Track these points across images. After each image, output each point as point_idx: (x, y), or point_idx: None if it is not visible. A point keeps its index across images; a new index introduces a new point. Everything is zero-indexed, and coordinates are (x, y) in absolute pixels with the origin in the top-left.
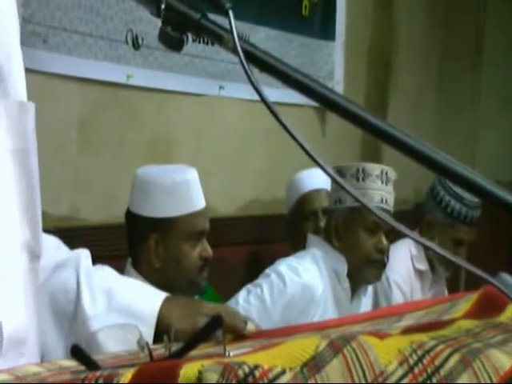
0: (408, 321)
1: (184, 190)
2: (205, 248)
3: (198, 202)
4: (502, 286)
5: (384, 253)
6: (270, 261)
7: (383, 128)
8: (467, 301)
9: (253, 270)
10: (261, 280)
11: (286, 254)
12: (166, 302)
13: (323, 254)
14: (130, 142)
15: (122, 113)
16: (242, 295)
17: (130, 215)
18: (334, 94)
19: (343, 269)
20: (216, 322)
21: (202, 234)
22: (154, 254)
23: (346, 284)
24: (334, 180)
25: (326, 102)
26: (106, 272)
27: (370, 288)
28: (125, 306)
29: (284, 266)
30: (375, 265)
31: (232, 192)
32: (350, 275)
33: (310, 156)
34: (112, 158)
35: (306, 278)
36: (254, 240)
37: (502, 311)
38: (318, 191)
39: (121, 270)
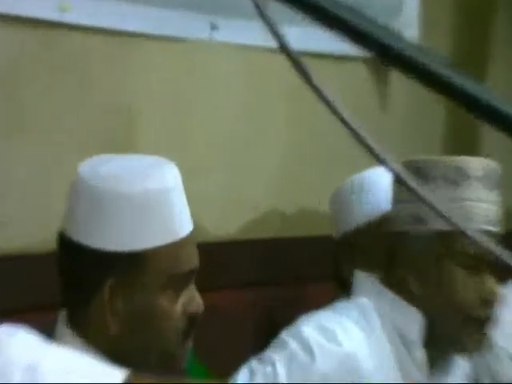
0: None
1: (159, 205)
2: (192, 299)
3: (182, 224)
4: None
5: (491, 305)
6: (293, 315)
7: (482, 98)
8: None
9: (264, 330)
10: (273, 351)
11: (322, 303)
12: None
13: (379, 304)
14: (69, 116)
15: (56, 69)
16: (241, 377)
17: (66, 245)
18: (400, 41)
19: (415, 329)
20: None
21: (189, 277)
22: (108, 312)
23: (419, 352)
24: (407, 187)
25: (388, 54)
26: (25, 340)
27: (464, 360)
28: None
29: (311, 327)
30: (476, 324)
31: (235, 201)
32: (427, 339)
33: (364, 144)
34: (41, 142)
35: (346, 345)
36: (266, 279)
37: None
38: None
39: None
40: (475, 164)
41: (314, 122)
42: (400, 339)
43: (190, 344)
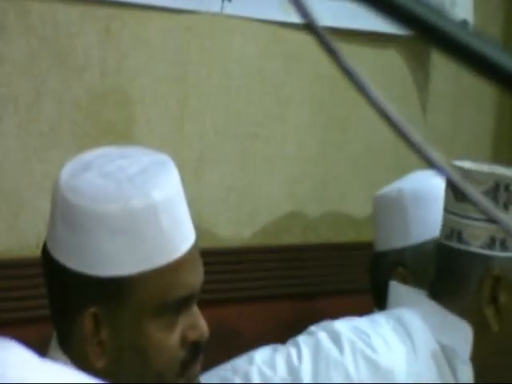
0: None
1: (145, 225)
2: (194, 324)
3: (178, 241)
4: None
5: None
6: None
7: None
8: None
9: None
10: (301, 338)
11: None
12: None
13: (423, 315)
14: (48, 99)
15: (34, 42)
16: (260, 353)
17: (47, 259)
18: (445, 20)
19: (466, 346)
20: None
21: (187, 302)
22: (90, 343)
23: (467, 371)
24: (465, 194)
25: (431, 33)
26: (16, 354)
27: None
28: None
29: (345, 326)
30: None
31: (249, 201)
32: (479, 366)
33: (406, 139)
34: (21, 132)
35: (383, 355)
36: (285, 292)
37: None
38: None
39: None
40: None
41: (345, 109)
42: (444, 356)
43: (195, 373)
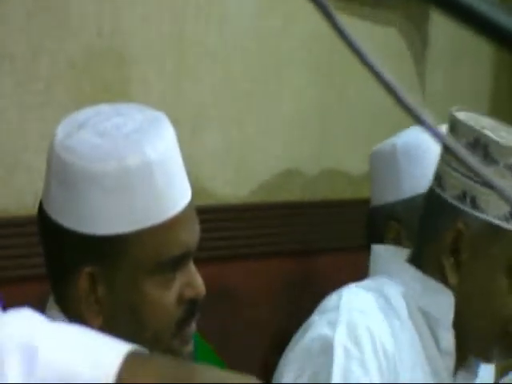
0: None
1: (140, 183)
2: (190, 282)
3: (173, 200)
4: None
5: None
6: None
7: None
8: None
9: (281, 307)
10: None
11: (349, 275)
12: (130, 361)
13: (405, 283)
14: (44, 58)
15: (29, 2)
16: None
17: (43, 218)
18: None
19: (448, 313)
20: None
21: (183, 260)
22: (87, 301)
23: (448, 342)
24: (455, 155)
25: None
26: (26, 318)
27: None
28: (58, 370)
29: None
30: (510, 338)
31: (247, 159)
32: (457, 333)
33: (399, 101)
34: (9, 94)
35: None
36: (283, 249)
37: None
38: None
39: None
40: None
41: (342, 70)
42: (426, 323)
43: (192, 330)
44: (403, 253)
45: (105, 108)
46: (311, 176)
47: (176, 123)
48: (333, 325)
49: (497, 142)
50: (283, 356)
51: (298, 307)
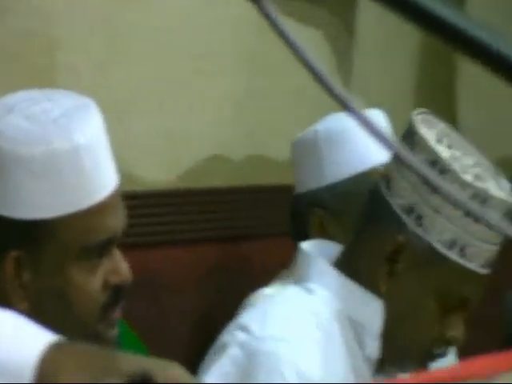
0: None
1: (66, 168)
2: (115, 268)
3: (99, 185)
4: None
5: (451, 346)
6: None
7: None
8: None
9: (208, 292)
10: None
11: (274, 261)
12: (52, 350)
13: (333, 292)
14: None
15: None
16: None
17: None
18: None
19: (376, 321)
20: None
21: (109, 245)
22: (12, 285)
23: (373, 349)
24: (387, 146)
25: None
26: None
27: None
28: None
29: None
30: (430, 358)
31: (176, 144)
32: (383, 342)
33: (326, 86)
34: None
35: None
36: (212, 235)
37: None
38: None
39: None
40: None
41: (269, 57)
42: (354, 331)
43: (117, 315)
44: (331, 249)
45: (34, 93)
46: (238, 162)
47: (104, 109)
48: (253, 355)
49: (454, 171)
50: (201, 370)
51: (223, 294)
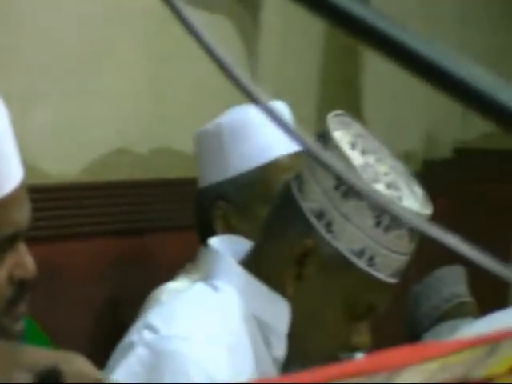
0: (407, 381)
1: None
2: (20, 262)
3: (9, 177)
4: None
5: (356, 351)
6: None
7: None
8: None
9: (110, 285)
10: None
11: (179, 255)
12: None
13: (240, 290)
14: None
15: None
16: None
17: None
18: None
19: (284, 322)
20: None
21: (15, 240)
22: None
23: (279, 350)
24: (297, 140)
25: None
26: None
27: None
28: None
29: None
30: (333, 362)
31: (79, 136)
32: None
33: (231, 77)
34: None
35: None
36: (116, 228)
37: None
38: (295, 156)
39: None
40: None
41: (174, 48)
42: (260, 330)
43: (23, 309)
44: (240, 246)
45: None
46: (142, 155)
47: (6, 100)
48: (159, 355)
49: (366, 181)
50: (108, 367)
51: (128, 287)
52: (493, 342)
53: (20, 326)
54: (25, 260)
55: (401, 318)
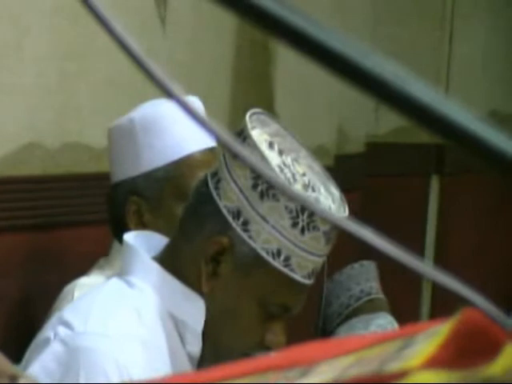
0: (321, 375)
1: None
2: None
3: None
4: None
5: (270, 351)
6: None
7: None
8: (433, 336)
9: (21, 281)
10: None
11: (94, 249)
12: None
13: (156, 288)
14: None
15: None
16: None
17: None
18: None
19: (200, 319)
20: None
21: None
22: None
23: (195, 347)
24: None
25: None
26: None
27: None
28: None
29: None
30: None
31: None
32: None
33: (143, 69)
34: None
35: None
36: (29, 223)
37: (493, 356)
38: (208, 152)
39: None
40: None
41: (84, 40)
42: (175, 327)
43: None
44: (156, 241)
45: None
46: (53, 149)
47: None
48: (74, 351)
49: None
50: (23, 362)
51: (40, 281)
52: (407, 336)
53: None
54: None
55: (313, 317)
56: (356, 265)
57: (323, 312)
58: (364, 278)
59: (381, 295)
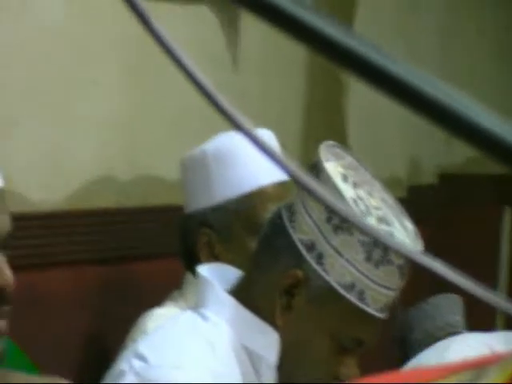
0: None
1: None
2: None
3: None
4: None
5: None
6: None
7: (347, 44)
8: (504, 368)
9: (96, 314)
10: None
11: (164, 282)
12: None
13: (228, 319)
14: None
15: None
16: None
17: None
18: None
19: (274, 352)
20: None
21: None
22: None
23: (269, 380)
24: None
25: None
26: None
27: None
28: None
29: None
30: None
31: (59, 163)
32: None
33: (216, 105)
34: None
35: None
36: (100, 256)
37: None
38: (280, 185)
39: None
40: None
41: (156, 73)
42: (250, 360)
43: (2, 325)
44: (229, 274)
45: None
46: (125, 182)
47: None
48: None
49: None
50: None
51: (112, 314)
52: (479, 367)
53: (0, 345)
54: (2, 268)
55: (388, 347)
56: (441, 296)
57: (404, 338)
58: (450, 311)
59: (464, 331)
